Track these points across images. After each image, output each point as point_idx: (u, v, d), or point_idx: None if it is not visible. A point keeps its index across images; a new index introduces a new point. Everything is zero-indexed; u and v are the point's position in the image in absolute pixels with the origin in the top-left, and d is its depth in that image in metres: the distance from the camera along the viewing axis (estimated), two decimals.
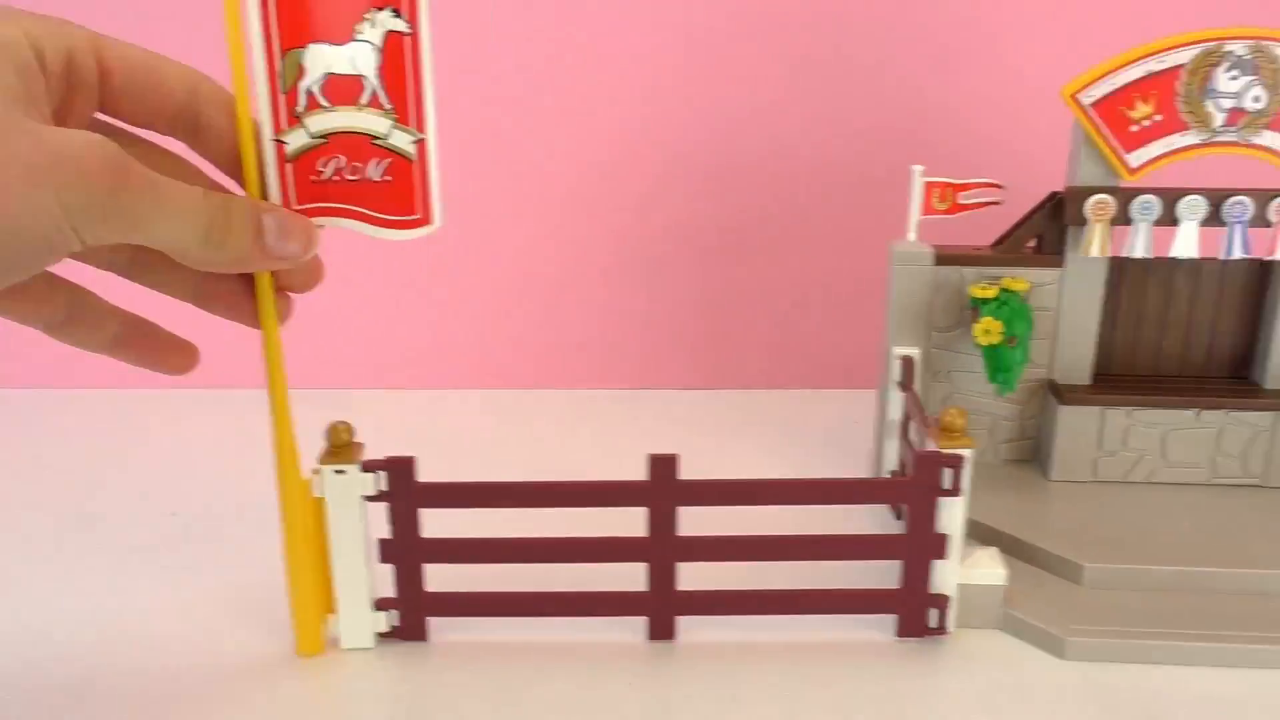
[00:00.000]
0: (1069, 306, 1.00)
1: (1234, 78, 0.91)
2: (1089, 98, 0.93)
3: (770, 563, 0.83)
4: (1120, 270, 1.02)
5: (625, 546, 0.82)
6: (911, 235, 1.01)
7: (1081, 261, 0.98)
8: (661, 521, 0.81)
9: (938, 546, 0.82)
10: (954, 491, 0.80)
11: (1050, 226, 0.99)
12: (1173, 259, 0.98)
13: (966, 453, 0.80)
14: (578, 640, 0.85)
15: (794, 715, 0.76)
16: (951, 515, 0.81)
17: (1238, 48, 0.90)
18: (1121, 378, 1.04)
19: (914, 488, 0.80)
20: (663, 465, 0.80)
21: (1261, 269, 1.01)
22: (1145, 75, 0.92)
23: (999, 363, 0.99)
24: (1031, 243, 1.01)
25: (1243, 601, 0.86)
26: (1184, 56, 0.91)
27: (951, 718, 0.76)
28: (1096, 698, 0.78)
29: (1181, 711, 0.76)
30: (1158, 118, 0.93)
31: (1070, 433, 1.01)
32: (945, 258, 1.00)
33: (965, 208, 1.02)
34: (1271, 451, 1.00)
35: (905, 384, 1.01)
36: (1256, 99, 0.91)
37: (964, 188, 1.01)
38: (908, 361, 1.01)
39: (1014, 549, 0.93)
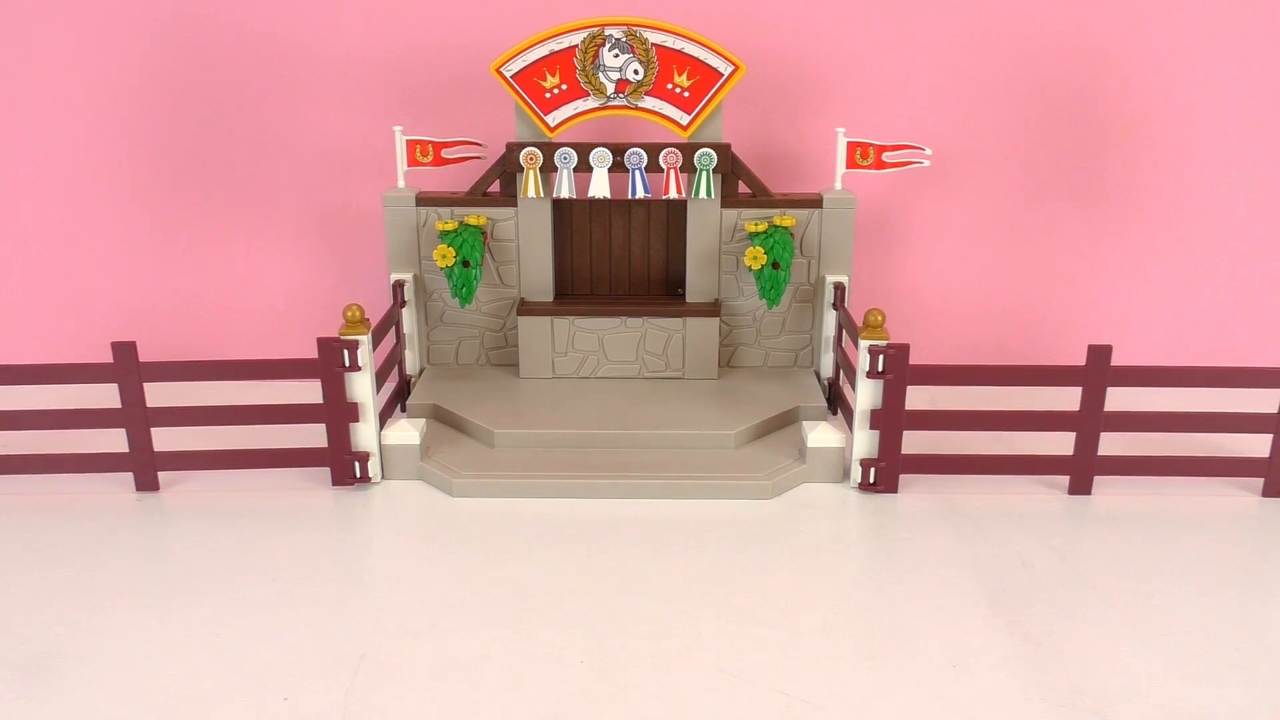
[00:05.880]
0: (525, 238, 1.26)
1: (615, 55, 1.18)
2: (510, 70, 1.18)
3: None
4: (565, 210, 1.28)
5: None
6: (400, 183, 1.26)
7: (529, 202, 1.24)
8: None
9: (351, 412, 1.07)
10: (355, 368, 1.05)
11: (504, 174, 1.25)
12: (608, 201, 1.25)
13: (363, 339, 1.05)
14: None
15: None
16: (360, 386, 1.06)
17: (615, 31, 1.17)
18: (575, 295, 1.31)
19: (322, 366, 1.05)
20: None
21: (678, 208, 1.28)
22: (549, 53, 1.18)
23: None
24: (495, 187, 1.27)
25: (611, 453, 1.12)
26: (576, 39, 1.17)
27: (366, 531, 1.02)
28: (462, 519, 1.04)
29: (521, 523, 1.03)
30: (564, 86, 1.19)
31: (529, 338, 1.27)
32: (424, 199, 1.25)
33: (446, 161, 1.27)
34: (684, 350, 1.27)
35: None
36: (636, 72, 1.18)
37: (445, 145, 1.26)
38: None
39: (459, 424, 1.18)
